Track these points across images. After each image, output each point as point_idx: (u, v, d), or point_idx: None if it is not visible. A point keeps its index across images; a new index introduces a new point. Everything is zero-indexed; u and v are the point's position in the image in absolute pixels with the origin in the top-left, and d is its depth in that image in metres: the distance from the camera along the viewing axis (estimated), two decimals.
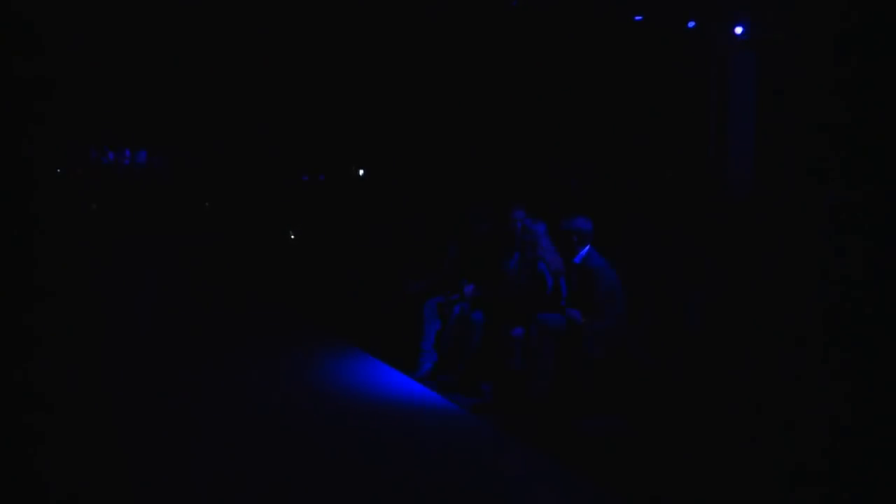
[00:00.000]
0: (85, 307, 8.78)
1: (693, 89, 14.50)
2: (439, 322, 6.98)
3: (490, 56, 18.69)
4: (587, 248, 6.05)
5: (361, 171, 16.49)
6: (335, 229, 9.62)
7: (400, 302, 7.59)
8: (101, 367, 6.57)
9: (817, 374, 4.45)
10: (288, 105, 19.40)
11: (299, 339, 8.35)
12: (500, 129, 19.80)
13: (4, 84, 11.30)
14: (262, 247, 11.63)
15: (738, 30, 13.05)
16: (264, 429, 5.50)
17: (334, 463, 4.87)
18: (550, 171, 16.14)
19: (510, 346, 6.04)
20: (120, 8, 16.97)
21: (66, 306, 8.38)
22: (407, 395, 6.26)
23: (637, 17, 13.59)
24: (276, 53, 18.52)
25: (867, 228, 5.56)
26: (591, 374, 5.59)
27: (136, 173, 18.11)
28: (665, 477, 4.51)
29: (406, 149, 18.96)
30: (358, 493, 4.42)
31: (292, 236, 10.69)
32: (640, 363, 5.78)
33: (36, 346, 6.49)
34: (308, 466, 4.77)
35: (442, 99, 20.12)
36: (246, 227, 12.86)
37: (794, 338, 4.71)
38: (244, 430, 5.45)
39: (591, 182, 14.04)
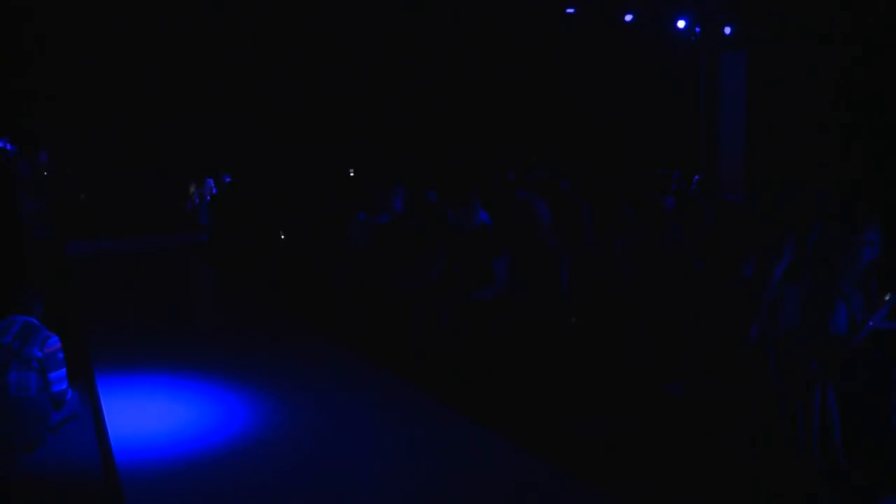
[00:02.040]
0: None
1: (684, 88, 14.59)
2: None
3: (488, 55, 18.75)
4: (577, 248, 6.01)
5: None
6: None
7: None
8: None
9: (811, 371, 4.45)
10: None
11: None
12: (489, 126, 19.80)
13: None
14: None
15: (727, 29, 13.14)
16: None
17: None
18: (540, 169, 16.13)
19: None
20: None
21: None
22: None
23: (627, 17, 13.64)
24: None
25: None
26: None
27: None
28: (662, 478, 4.50)
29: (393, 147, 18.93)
30: None
31: (282, 236, 10.61)
32: (635, 363, 5.78)
33: None
34: None
35: (431, 95, 20.11)
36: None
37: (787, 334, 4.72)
38: None
39: (582, 180, 14.03)
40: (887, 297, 4.55)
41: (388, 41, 18.40)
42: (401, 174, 14.25)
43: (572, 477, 4.58)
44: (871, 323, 4.53)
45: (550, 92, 18.04)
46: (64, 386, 5.19)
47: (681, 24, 13.24)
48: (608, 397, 5.55)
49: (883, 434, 4.34)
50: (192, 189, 17.68)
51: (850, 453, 4.27)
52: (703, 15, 12.99)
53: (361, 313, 8.00)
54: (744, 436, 4.25)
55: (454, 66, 19.04)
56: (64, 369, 5.18)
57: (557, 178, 13.98)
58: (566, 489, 4.49)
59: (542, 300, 6.19)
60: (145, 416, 5.66)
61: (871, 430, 4.39)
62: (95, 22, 16.74)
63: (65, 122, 18.02)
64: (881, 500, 4.06)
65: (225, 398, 6.03)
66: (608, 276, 6.32)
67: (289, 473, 4.75)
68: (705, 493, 4.32)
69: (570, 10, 13.74)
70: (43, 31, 16.26)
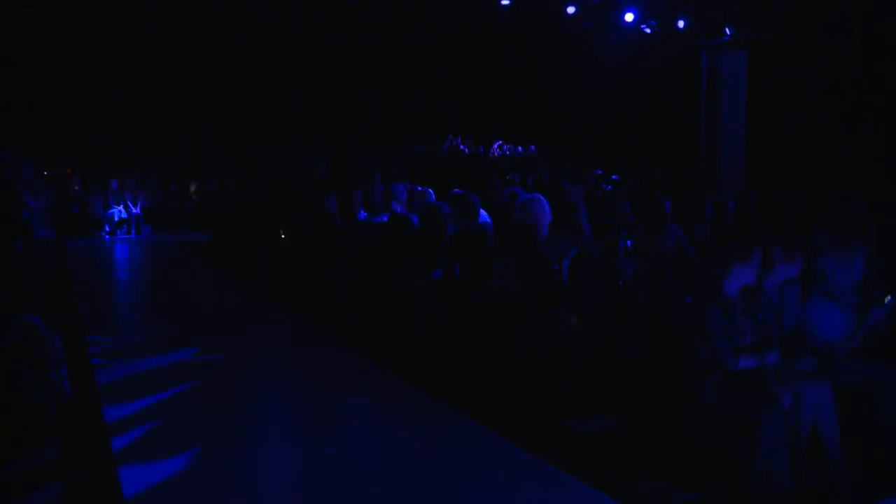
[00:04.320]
0: None
1: (684, 88, 14.58)
2: None
3: (489, 55, 18.77)
4: (576, 248, 5.99)
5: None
6: None
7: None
8: None
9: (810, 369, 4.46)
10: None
11: None
12: (490, 126, 19.82)
13: None
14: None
15: (727, 30, 13.11)
16: None
17: None
18: (540, 169, 16.12)
19: None
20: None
21: None
22: None
23: (628, 17, 13.61)
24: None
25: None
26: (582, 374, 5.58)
27: None
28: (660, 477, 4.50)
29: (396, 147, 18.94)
30: None
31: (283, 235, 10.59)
32: (634, 362, 5.78)
33: None
34: None
35: (431, 95, 20.13)
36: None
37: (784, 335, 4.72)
38: None
39: (581, 181, 14.03)
40: (887, 300, 4.55)
41: (386, 41, 18.40)
42: (401, 173, 14.25)
43: (571, 476, 4.59)
44: (870, 324, 4.53)
45: (551, 92, 18.05)
46: (64, 385, 5.17)
47: (681, 24, 13.23)
48: (608, 397, 5.55)
49: (881, 434, 4.34)
50: (193, 189, 17.68)
51: (848, 453, 4.28)
52: (703, 15, 12.98)
53: (361, 313, 7.99)
54: (744, 435, 4.25)
55: (454, 66, 19.04)
56: (64, 368, 5.17)
57: (558, 178, 13.99)
58: (565, 488, 4.49)
59: (541, 300, 6.19)
60: (145, 414, 5.66)
61: (869, 430, 4.39)
62: (96, 19, 16.76)
63: (64, 120, 18.03)
64: (880, 500, 4.06)
65: (224, 395, 6.04)
66: (608, 276, 6.32)
67: (288, 471, 4.76)
68: (704, 493, 4.32)
69: (570, 10, 13.73)
70: (43, 29, 16.30)
